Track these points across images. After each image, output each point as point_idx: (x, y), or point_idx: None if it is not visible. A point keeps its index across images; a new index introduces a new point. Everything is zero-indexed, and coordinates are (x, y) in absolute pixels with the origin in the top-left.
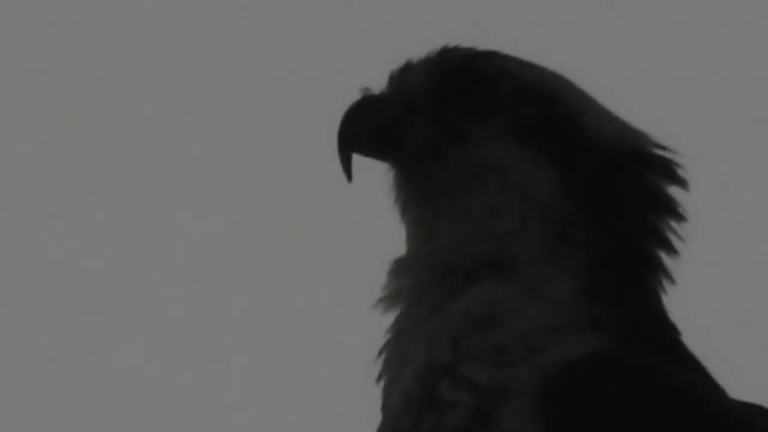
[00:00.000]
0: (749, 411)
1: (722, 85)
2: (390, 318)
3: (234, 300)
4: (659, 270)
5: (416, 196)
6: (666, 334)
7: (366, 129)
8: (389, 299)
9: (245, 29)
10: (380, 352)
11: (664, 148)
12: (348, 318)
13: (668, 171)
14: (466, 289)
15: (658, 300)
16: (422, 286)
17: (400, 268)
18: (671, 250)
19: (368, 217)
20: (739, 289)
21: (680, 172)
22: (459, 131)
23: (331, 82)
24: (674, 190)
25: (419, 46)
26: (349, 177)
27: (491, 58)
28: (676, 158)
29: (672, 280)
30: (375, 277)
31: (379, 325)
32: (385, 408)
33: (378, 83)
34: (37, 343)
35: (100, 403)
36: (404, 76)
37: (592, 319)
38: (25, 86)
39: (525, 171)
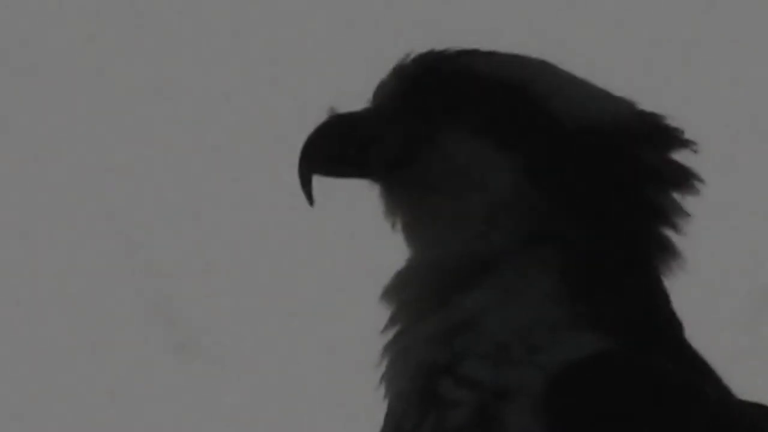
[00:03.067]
0: (755, 412)
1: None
2: (390, 325)
3: (235, 301)
4: (653, 254)
5: (396, 206)
6: (664, 327)
7: (330, 150)
8: (388, 309)
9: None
10: (380, 357)
11: (650, 114)
12: (352, 319)
13: (653, 138)
14: (451, 293)
15: (654, 289)
16: (413, 293)
17: (394, 278)
18: (663, 226)
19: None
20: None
21: (667, 137)
22: (427, 136)
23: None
24: (661, 159)
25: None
26: (311, 201)
27: (456, 57)
28: (664, 123)
29: (669, 264)
30: (378, 281)
31: (382, 328)
32: (387, 410)
33: (349, 102)
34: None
35: (97, 403)
36: (378, 92)
37: (579, 315)
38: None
39: (488, 168)
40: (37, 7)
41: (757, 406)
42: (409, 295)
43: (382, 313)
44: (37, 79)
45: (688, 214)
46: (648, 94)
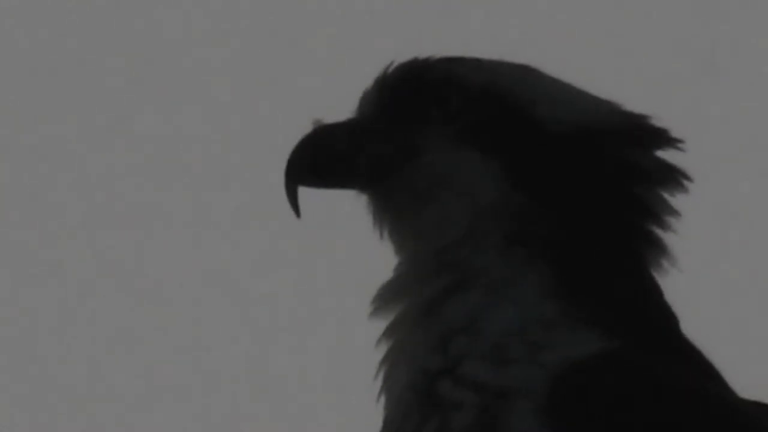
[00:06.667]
0: (758, 412)
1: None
2: (384, 335)
3: (236, 305)
4: (642, 251)
5: (383, 215)
6: (659, 322)
7: (315, 161)
8: (380, 318)
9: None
10: (378, 368)
11: (634, 115)
12: (343, 329)
13: (638, 138)
14: (441, 298)
15: (646, 285)
16: (403, 301)
17: (383, 287)
18: (652, 223)
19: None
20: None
21: (652, 136)
22: (410, 145)
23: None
24: (647, 158)
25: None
26: (298, 212)
27: (439, 65)
28: (649, 123)
29: (660, 260)
30: (368, 290)
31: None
32: (386, 416)
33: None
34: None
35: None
36: (362, 102)
37: (573, 313)
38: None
39: (470, 175)
40: None
41: (756, 405)
42: (400, 303)
43: (373, 321)
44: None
45: (677, 212)
46: (645, 97)
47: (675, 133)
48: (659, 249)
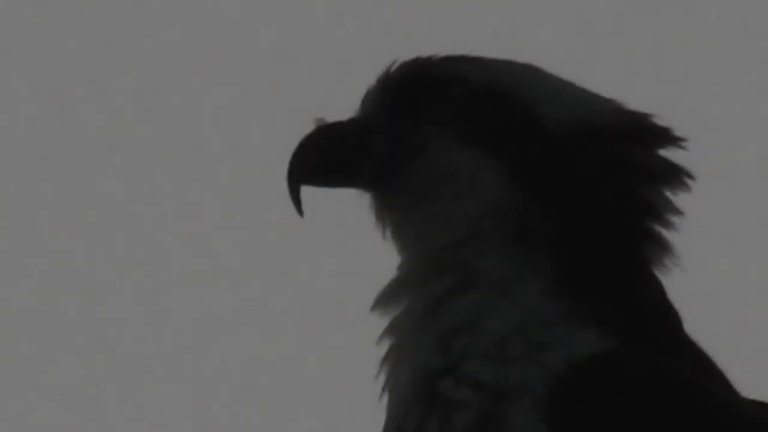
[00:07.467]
0: (760, 412)
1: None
2: (386, 334)
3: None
4: (645, 250)
5: (386, 214)
6: (662, 322)
7: (318, 160)
8: (382, 317)
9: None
10: (379, 367)
11: (637, 114)
12: (346, 328)
13: (640, 137)
14: (444, 298)
15: (648, 284)
16: (405, 301)
17: (386, 287)
18: (655, 223)
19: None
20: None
21: (655, 135)
22: (413, 144)
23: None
24: (650, 157)
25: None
26: (300, 212)
27: (442, 64)
28: (651, 122)
29: (663, 259)
30: (371, 288)
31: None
32: (387, 415)
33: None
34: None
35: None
36: (365, 100)
37: (575, 312)
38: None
39: (474, 174)
40: None
41: (759, 404)
42: (403, 302)
43: (376, 321)
44: None
45: (680, 211)
46: (646, 94)
47: (678, 131)
48: (662, 248)
